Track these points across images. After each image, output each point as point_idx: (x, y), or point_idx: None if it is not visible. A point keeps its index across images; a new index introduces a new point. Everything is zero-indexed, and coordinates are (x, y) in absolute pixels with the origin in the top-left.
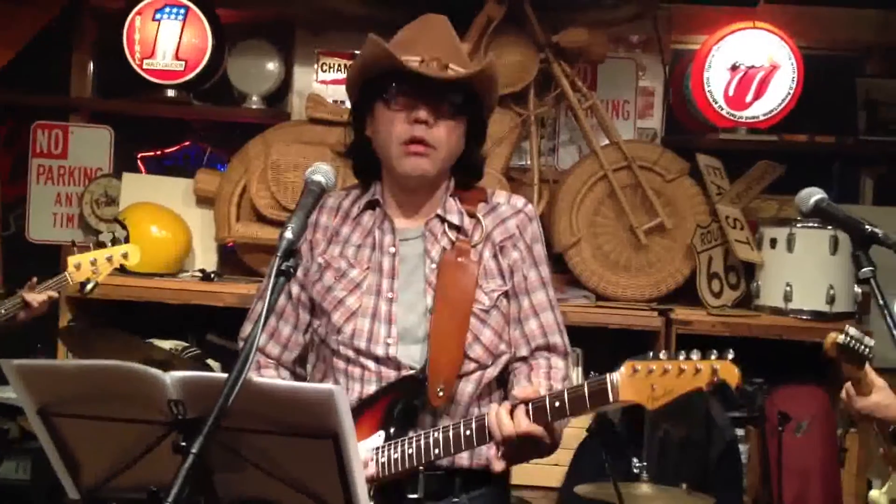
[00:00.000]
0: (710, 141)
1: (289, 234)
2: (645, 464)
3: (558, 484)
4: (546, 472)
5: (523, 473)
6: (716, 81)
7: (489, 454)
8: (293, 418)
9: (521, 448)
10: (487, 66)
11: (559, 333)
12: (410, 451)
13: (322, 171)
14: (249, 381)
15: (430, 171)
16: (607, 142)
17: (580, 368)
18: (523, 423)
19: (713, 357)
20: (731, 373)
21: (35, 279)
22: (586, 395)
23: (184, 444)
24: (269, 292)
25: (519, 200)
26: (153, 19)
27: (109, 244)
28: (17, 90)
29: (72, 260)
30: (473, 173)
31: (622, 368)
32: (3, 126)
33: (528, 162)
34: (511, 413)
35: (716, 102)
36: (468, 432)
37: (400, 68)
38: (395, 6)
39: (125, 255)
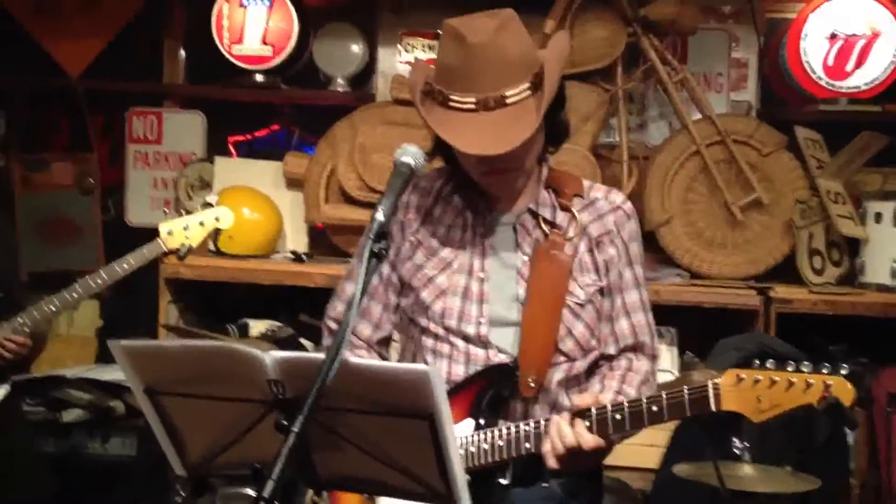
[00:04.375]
0: (808, 112)
1: (380, 216)
2: (746, 444)
3: (655, 465)
4: (642, 452)
5: (619, 454)
6: (813, 51)
7: (543, 449)
8: (389, 398)
9: (578, 457)
10: (545, 102)
11: (649, 335)
12: (500, 443)
13: (410, 153)
14: (346, 361)
15: (514, 186)
16: (699, 116)
17: (675, 349)
18: (589, 439)
19: (825, 371)
20: (845, 390)
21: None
22: (686, 402)
23: (285, 422)
24: (362, 274)
25: (618, 196)
26: (241, 5)
27: (200, 209)
28: (111, 78)
29: (164, 226)
30: (560, 139)
31: (724, 377)
32: (100, 114)
33: (617, 138)
34: (572, 423)
35: (814, 73)
36: None
37: (456, 146)
38: None
39: (217, 219)
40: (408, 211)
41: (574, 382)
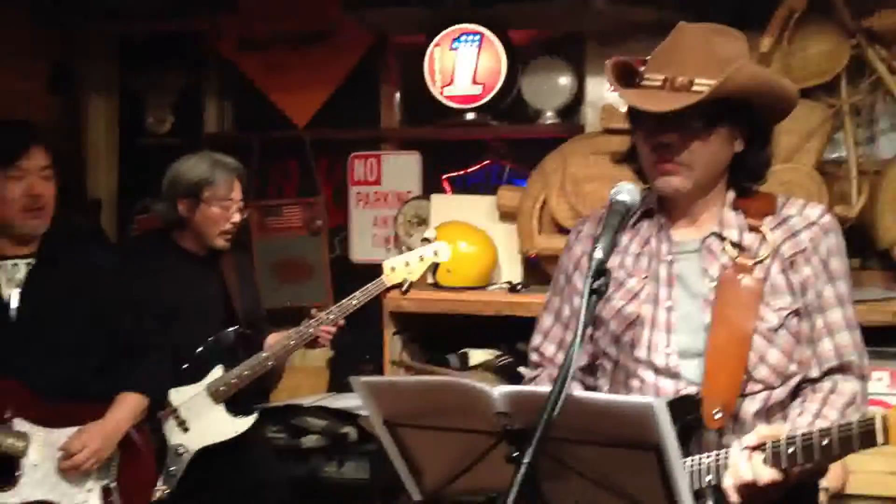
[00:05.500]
0: None
1: (598, 254)
2: None
3: None
4: (886, 480)
5: (859, 482)
6: None
7: (724, 484)
8: (614, 430)
9: (758, 491)
10: (726, 80)
11: (856, 354)
12: None
13: (626, 190)
14: (570, 395)
15: (682, 188)
16: None
17: None
18: (765, 475)
19: None
20: None
21: (314, 310)
22: (854, 435)
23: (516, 454)
24: (583, 311)
25: (814, 211)
26: (451, 48)
27: (419, 244)
28: (334, 126)
29: (387, 264)
30: (753, 177)
31: (893, 409)
32: (324, 160)
33: (844, 154)
34: (750, 457)
35: None
36: None
37: (629, 102)
38: (686, 8)
39: (436, 253)
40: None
41: (776, 410)
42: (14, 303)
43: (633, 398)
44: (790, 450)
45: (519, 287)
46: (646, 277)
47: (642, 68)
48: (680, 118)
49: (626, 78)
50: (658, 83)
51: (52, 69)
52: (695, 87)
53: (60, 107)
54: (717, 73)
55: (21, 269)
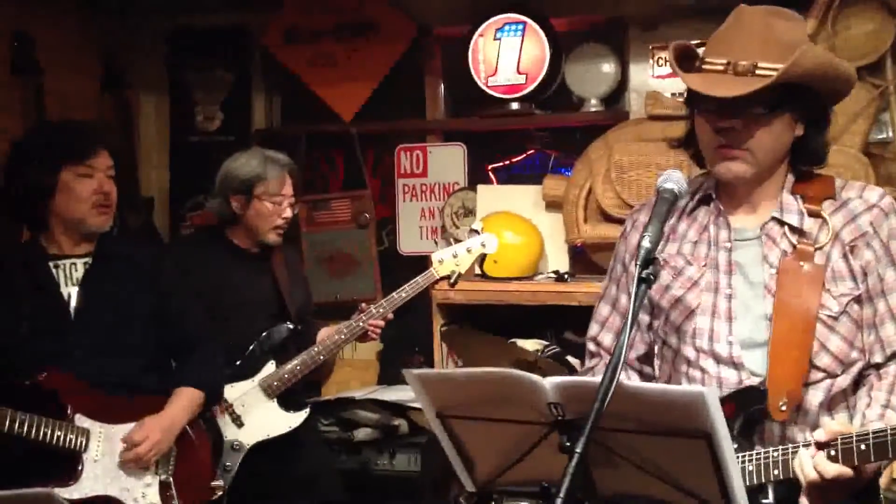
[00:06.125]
0: None
1: (646, 243)
2: None
3: None
4: None
5: None
6: None
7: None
8: (665, 419)
9: (826, 488)
10: (792, 64)
11: None
12: (751, 468)
13: (674, 179)
14: (622, 384)
15: (743, 174)
16: None
17: None
18: (829, 470)
19: None
20: None
21: (364, 304)
22: None
23: (568, 444)
24: (633, 300)
25: (873, 194)
26: (494, 39)
27: (466, 236)
28: (379, 119)
29: (435, 256)
30: (813, 160)
31: None
32: (370, 153)
33: (890, 135)
34: (815, 454)
35: None
36: None
37: (693, 88)
38: None
39: (483, 244)
40: None
41: (839, 399)
42: (73, 301)
43: (684, 387)
44: (862, 446)
45: (566, 276)
46: (705, 265)
47: (700, 51)
48: (743, 103)
49: (686, 62)
50: (720, 67)
51: (103, 67)
52: (758, 72)
53: (111, 105)
54: (780, 57)
55: (79, 267)
